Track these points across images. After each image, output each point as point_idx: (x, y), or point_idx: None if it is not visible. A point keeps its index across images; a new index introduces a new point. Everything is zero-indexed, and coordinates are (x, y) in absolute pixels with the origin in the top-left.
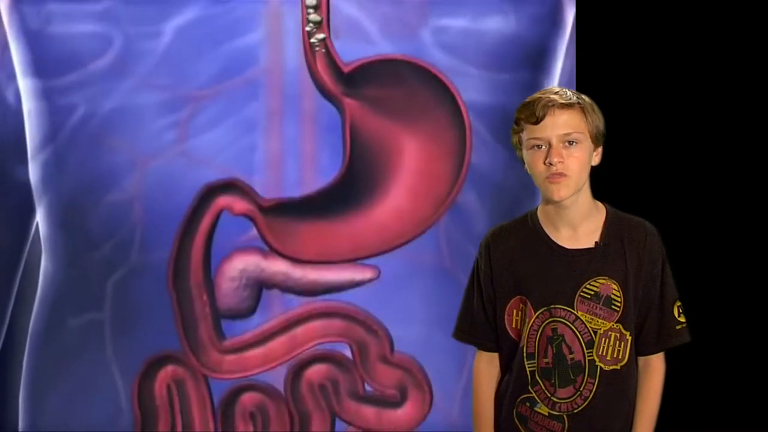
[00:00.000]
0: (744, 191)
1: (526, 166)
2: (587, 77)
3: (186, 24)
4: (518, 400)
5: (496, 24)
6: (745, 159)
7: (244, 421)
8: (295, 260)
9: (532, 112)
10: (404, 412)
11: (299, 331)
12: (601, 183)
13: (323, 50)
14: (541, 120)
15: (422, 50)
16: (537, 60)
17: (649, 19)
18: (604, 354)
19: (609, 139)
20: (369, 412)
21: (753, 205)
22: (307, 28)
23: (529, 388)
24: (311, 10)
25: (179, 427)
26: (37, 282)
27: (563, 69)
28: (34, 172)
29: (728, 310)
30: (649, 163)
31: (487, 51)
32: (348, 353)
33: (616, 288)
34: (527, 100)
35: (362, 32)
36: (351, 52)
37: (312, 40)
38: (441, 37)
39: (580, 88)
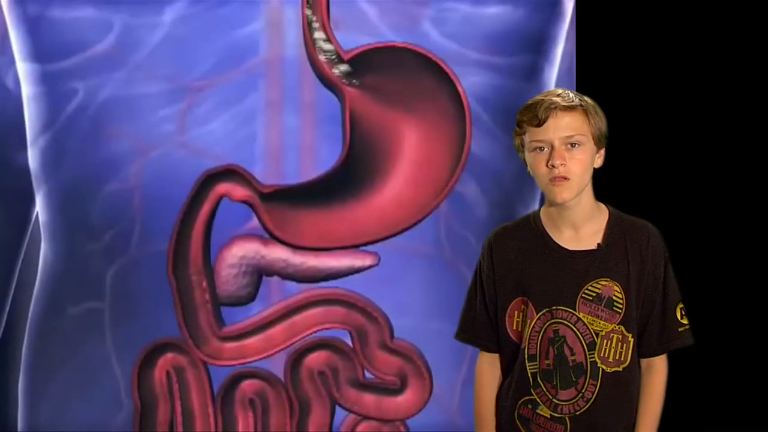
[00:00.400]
0: (748, 192)
1: (528, 168)
2: (587, 62)
3: (186, 13)
4: (520, 402)
5: (497, 9)
6: (750, 158)
7: (244, 408)
8: (295, 247)
9: (534, 115)
10: (404, 399)
11: (299, 318)
12: (602, 182)
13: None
14: (544, 122)
15: (423, 37)
16: (537, 45)
17: (649, 3)
18: (605, 356)
19: (609, 132)
20: (369, 399)
21: (757, 206)
22: (323, 58)
23: (531, 390)
24: (322, 42)
25: (179, 415)
26: (37, 269)
27: (564, 54)
28: (33, 159)
29: (731, 312)
30: (650, 159)
31: (487, 37)
32: (348, 340)
33: (618, 290)
34: (529, 102)
35: (363, 20)
36: (351, 41)
37: (334, 71)
38: (441, 23)
39: (580, 73)
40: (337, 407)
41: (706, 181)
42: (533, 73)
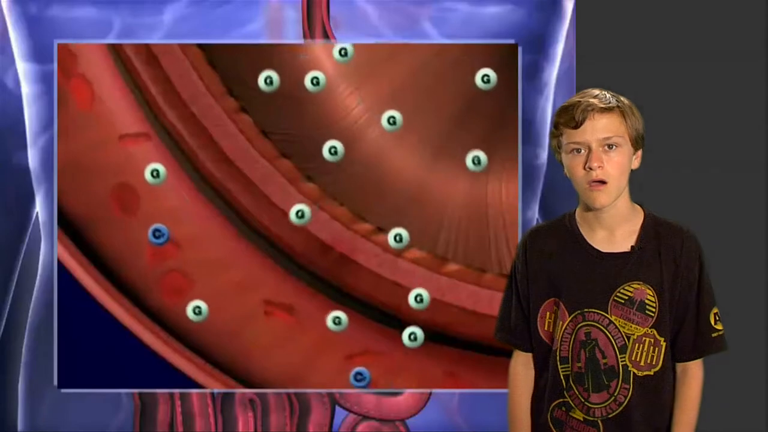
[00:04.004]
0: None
1: (565, 170)
2: (587, 62)
3: (186, 13)
4: (553, 404)
5: (497, 9)
6: (756, 157)
7: (244, 408)
8: None
9: (571, 117)
10: (404, 399)
11: None
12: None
13: None
14: (581, 124)
15: (423, 37)
16: (537, 45)
17: (650, 2)
18: (637, 360)
19: None
20: (369, 399)
21: None
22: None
23: (564, 392)
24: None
25: (179, 415)
26: (37, 269)
27: (563, 53)
28: (33, 159)
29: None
30: (650, 158)
31: (487, 36)
32: None
33: (650, 293)
34: (566, 104)
35: (363, 20)
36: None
37: None
38: (441, 23)
39: (580, 73)
40: (337, 407)
41: (715, 181)
42: (533, 70)
